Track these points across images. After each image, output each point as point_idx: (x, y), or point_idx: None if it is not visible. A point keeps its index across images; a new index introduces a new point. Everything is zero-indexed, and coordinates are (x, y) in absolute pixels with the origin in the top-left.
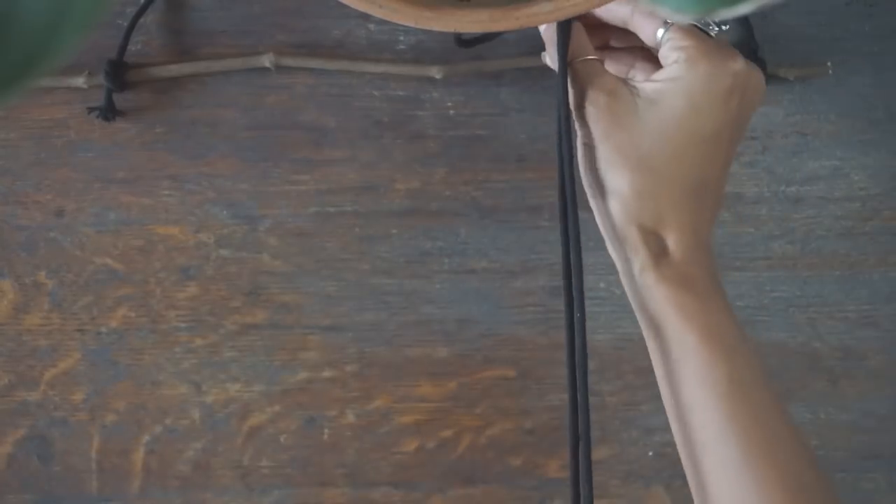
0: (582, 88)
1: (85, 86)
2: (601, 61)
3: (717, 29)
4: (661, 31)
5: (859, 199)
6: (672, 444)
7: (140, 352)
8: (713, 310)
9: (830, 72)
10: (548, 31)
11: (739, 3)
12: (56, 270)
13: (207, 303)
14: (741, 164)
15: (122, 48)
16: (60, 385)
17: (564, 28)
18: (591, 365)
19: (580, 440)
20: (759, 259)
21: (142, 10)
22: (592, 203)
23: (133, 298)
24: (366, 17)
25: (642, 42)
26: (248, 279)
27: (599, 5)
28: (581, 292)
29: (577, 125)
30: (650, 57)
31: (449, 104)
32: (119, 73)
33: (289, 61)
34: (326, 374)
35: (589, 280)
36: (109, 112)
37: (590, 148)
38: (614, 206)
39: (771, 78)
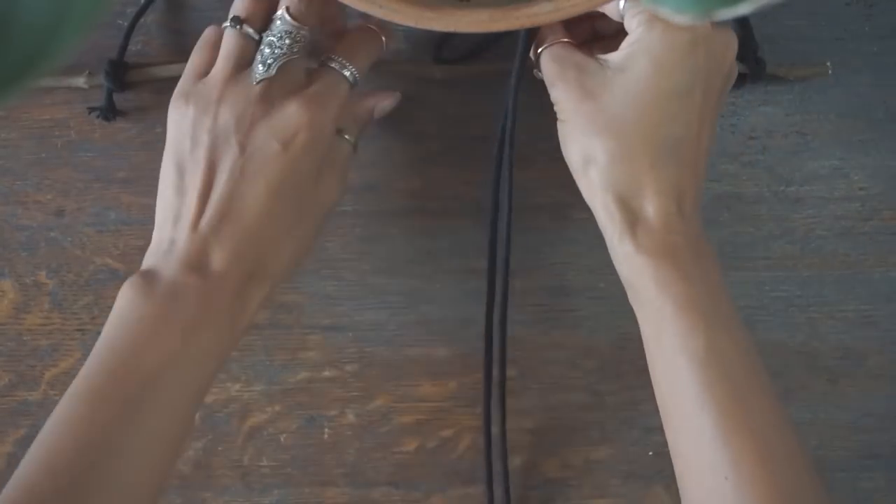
0: (553, 69)
1: (85, 86)
2: (572, 43)
3: None
4: (622, 2)
5: (859, 198)
6: None
7: None
8: (694, 279)
9: (830, 72)
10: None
11: (739, 3)
12: (56, 270)
13: None
14: (741, 163)
15: (123, 48)
16: (61, 385)
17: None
18: (591, 365)
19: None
20: (759, 259)
21: (142, 10)
22: (577, 180)
23: None
24: (366, 18)
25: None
26: None
27: (599, 5)
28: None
29: (554, 107)
30: (610, 47)
31: (449, 104)
32: (119, 72)
33: None
34: (326, 373)
35: (589, 280)
36: (110, 112)
37: (565, 124)
38: (593, 176)
39: (771, 78)
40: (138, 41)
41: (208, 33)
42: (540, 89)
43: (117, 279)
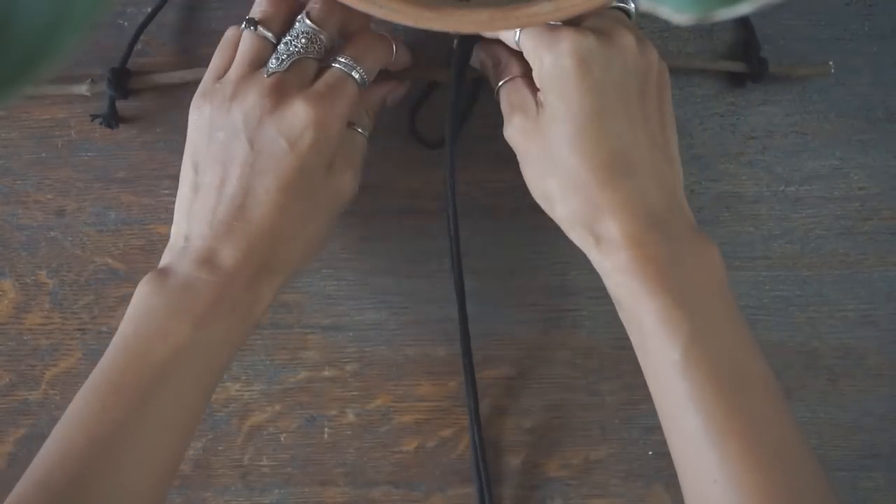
0: (504, 110)
1: (88, 93)
2: (522, 78)
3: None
4: (517, 34)
5: (858, 198)
6: None
7: None
8: (671, 288)
9: (832, 71)
10: (486, 61)
11: (739, 3)
12: (57, 270)
13: None
14: (741, 163)
15: (126, 56)
16: (61, 384)
17: (464, 43)
18: (591, 364)
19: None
20: (759, 258)
21: (149, 19)
22: (550, 216)
23: None
24: (365, 17)
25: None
26: None
27: (599, 5)
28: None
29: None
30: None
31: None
32: (122, 80)
33: None
34: (326, 373)
35: (588, 280)
36: (113, 119)
37: (522, 166)
38: (558, 212)
39: (773, 77)
40: (138, 41)
41: (229, 34)
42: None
43: (117, 279)
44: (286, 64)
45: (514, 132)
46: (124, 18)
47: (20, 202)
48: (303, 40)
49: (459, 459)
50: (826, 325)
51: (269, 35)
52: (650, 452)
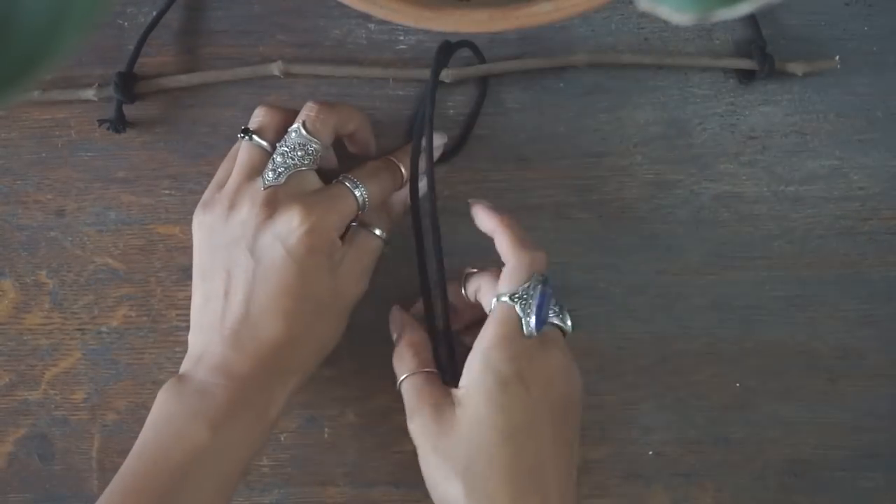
0: (411, 402)
1: (95, 98)
2: (434, 373)
3: (532, 326)
4: (494, 301)
5: (858, 198)
6: (672, 443)
7: (141, 351)
8: None
9: (838, 66)
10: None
11: (739, 3)
12: (57, 270)
13: None
14: (740, 163)
15: (133, 60)
16: (61, 384)
17: (415, 178)
18: (591, 364)
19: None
20: (759, 259)
21: (154, 22)
22: None
23: (133, 298)
24: (366, 17)
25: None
26: None
27: (599, 5)
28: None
29: (413, 441)
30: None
31: (449, 104)
32: (129, 85)
33: (297, 68)
34: (326, 373)
35: (588, 280)
36: (120, 124)
37: (424, 462)
38: None
39: (778, 73)
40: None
41: (234, 147)
42: (539, 88)
43: (117, 279)
44: (283, 178)
45: (426, 425)
46: (124, 18)
47: (20, 202)
48: (299, 152)
49: None
50: (826, 325)
51: (265, 144)
52: (650, 452)
